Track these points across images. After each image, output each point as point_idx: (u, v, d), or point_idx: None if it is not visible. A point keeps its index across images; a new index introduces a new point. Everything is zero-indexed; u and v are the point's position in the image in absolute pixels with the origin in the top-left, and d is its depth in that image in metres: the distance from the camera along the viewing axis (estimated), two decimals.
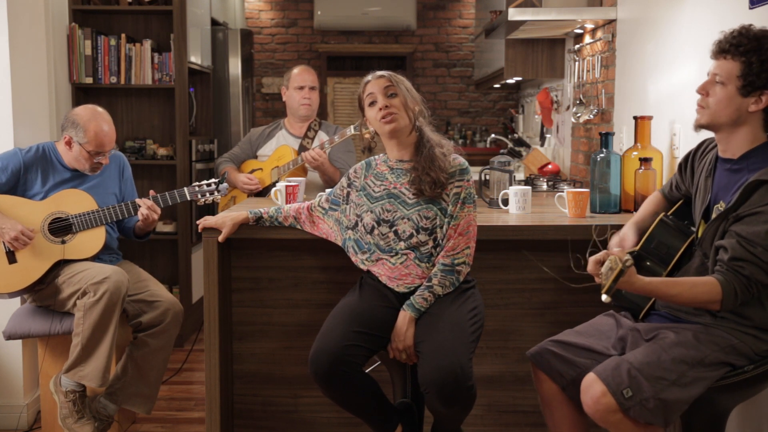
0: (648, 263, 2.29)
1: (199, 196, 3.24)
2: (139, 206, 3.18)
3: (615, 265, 1.99)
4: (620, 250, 2.06)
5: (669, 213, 2.41)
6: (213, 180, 3.27)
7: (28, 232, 3.04)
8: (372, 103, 2.55)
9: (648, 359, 2.08)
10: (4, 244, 3.05)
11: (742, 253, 2.03)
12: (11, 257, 3.05)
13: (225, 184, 3.29)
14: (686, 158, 2.41)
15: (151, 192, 3.24)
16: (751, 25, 2.13)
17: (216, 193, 3.25)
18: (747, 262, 2.03)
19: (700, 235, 2.23)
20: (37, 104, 3.67)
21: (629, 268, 2.00)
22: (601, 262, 2.10)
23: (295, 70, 4.04)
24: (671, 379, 2.05)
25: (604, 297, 2.01)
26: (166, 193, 3.24)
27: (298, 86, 3.98)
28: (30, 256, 3.07)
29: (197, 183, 3.28)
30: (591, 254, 2.21)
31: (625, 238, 2.43)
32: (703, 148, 2.36)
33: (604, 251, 2.14)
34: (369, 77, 2.59)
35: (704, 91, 2.16)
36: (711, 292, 2.05)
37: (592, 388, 2.07)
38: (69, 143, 3.18)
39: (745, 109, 2.10)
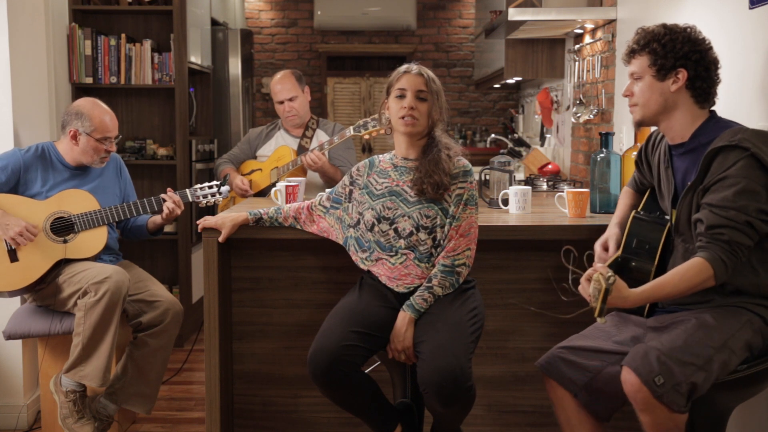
0: (634, 263, 2.31)
1: (201, 198, 3.24)
2: (164, 200, 3.19)
3: (600, 285, 2.00)
4: (602, 266, 2.08)
5: (639, 209, 2.45)
6: (215, 182, 3.27)
7: (32, 228, 3.04)
8: (400, 97, 2.52)
9: (675, 344, 2.08)
10: (6, 243, 3.05)
11: (716, 219, 2.07)
12: (13, 256, 3.05)
13: (227, 187, 3.28)
14: (639, 155, 2.49)
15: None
16: (648, 26, 2.28)
17: (218, 195, 3.24)
18: (724, 227, 2.07)
19: (673, 221, 2.26)
20: (37, 104, 3.67)
21: (614, 285, 2.02)
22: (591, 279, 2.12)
23: (275, 78, 3.98)
24: (699, 364, 2.04)
25: (598, 320, 2.03)
26: (152, 198, 3.24)
27: (278, 101, 3.96)
28: (31, 255, 3.07)
29: (199, 185, 3.28)
30: (574, 281, 2.22)
31: (611, 237, 2.46)
32: (651, 141, 2.44)
33: (591, 269, 2.15)
34: (407, 68, 2.55)
35: (629, 92, 2.31)
36: (701, 272, 2.07)
37: (627, 381, 2.07)
38: (75, 137, 3.18)
39: (668, 91, 2.22)
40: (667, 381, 2.02)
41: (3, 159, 3.16)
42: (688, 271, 2.09)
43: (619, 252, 2.34)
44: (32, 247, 3.07)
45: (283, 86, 3.93)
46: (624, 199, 2.60)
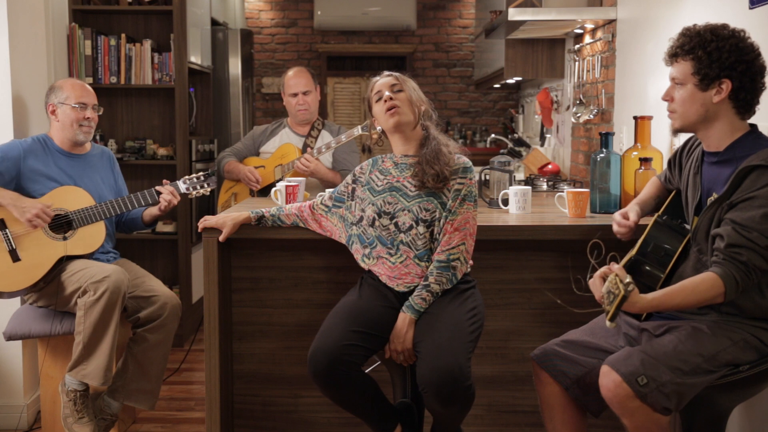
0: (647, 267, 2.28)
1: (191, 189, 3.27)
2: (160, 193, 3.22)
3: (616, 289, 1.97)
4: (619, 268, 2.06)
5: (662, 213, 2.42)
6: (202, 173, 3.30)
7: (47, 210, 3.02)
8: (378, 100, 2.60)
9: (664, 349, 2.08)
10: (8, 243, 3.02)
11: (738, 239, 2.04)
12: (14, 255, 3.04)
13: (214, 177, 3.32)
14: (674, 155, 2.44)
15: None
16: (694, 24, 2.20)
17: (206, 187, 3.27)
18: (744, 248, 2.04)
19: (692, 228, 2.24)
20: (37, 104, 3.66)
21: (631, 293, 1.99)
22: (605, 277, 2.10)
23: (289, 73, 4.01)
24: (686, 369, 2.05)
25: (608, 324, 2.01)
26: (145, 192, 3.25)
27: (292, 93, 3.98)
28: (33, 254, 3.06)
29: (187, 176, 3.31)
30: (591, 278, 2.20)
31: (631, 209, 2.46)
32: (689, 144, 2.39)
33: (606, 267, 2.14)
34: (376, 78, 2.65)
35: (668, 96, 2.24)
36: (713, 288, 2.05)
37: (607, 377, 2.07)
38: (54, 111, 3.21)
39: (710, 101, 2.15)
40: (651, 381, 2.03)
41: (1, 150, 3.13)
42: (700, 284, 2.07)
43: (634, 252, 2.32)
44: (33, 245, 3.06)
45: (299, 79, 3.97)
46: (650, 187, 2.56)
